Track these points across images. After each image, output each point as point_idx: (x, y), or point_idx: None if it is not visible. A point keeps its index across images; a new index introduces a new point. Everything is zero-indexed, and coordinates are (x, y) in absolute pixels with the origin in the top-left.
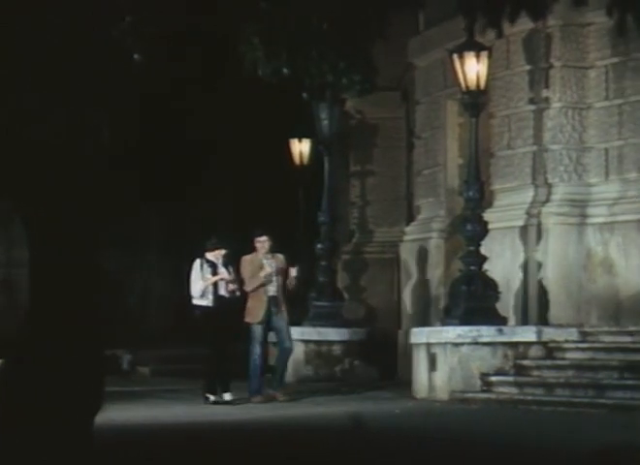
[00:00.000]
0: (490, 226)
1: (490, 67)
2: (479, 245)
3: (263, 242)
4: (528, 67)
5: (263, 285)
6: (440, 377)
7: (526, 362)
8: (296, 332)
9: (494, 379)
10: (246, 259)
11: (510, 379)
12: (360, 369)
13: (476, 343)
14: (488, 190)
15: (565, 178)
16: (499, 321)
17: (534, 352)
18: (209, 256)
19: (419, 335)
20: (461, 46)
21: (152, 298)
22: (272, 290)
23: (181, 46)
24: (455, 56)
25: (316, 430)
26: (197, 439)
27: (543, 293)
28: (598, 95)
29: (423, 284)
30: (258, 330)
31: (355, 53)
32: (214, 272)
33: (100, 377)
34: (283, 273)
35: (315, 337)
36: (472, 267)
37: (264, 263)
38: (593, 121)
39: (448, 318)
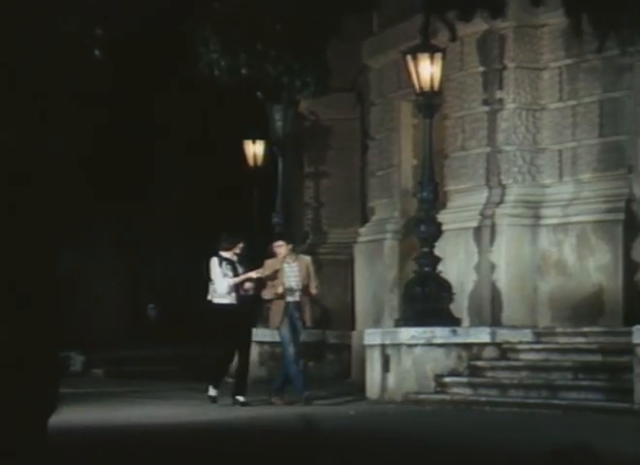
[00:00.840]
0: (444, 227)
1: (444, 68)
2: (433, 246)
3: (278, 247)
4: (481, 68)
5: (278, 296)
6: (394, 378)
7: (480, 363)
8: None
9: (448, 380)
10: (268, 262)
11: (464, 380)
12: (314, 370)
13: (430, 344)
14: (442, 191)
15: (519, 179)
16: (453, 322)
17: (488, 353)
18: (225, 254)
19: (373, 336)
20: (414, 47)
21: (105, 299)
22: (293, 295)
23: (136, 45)
24: (409, 57)
25: (271, 431)
26: (150, 440)
27: (497, 294)
28: (552, 96)
29: (377, 285)
30: (283, 333)
31: (309, 54)
32: (234, 270)
33: (55, 378)
34: (307, 277)
35: (269, 339)
36: (426, 269)
37: (284, 267)
38: (547, 122)
39: (402, 319)
